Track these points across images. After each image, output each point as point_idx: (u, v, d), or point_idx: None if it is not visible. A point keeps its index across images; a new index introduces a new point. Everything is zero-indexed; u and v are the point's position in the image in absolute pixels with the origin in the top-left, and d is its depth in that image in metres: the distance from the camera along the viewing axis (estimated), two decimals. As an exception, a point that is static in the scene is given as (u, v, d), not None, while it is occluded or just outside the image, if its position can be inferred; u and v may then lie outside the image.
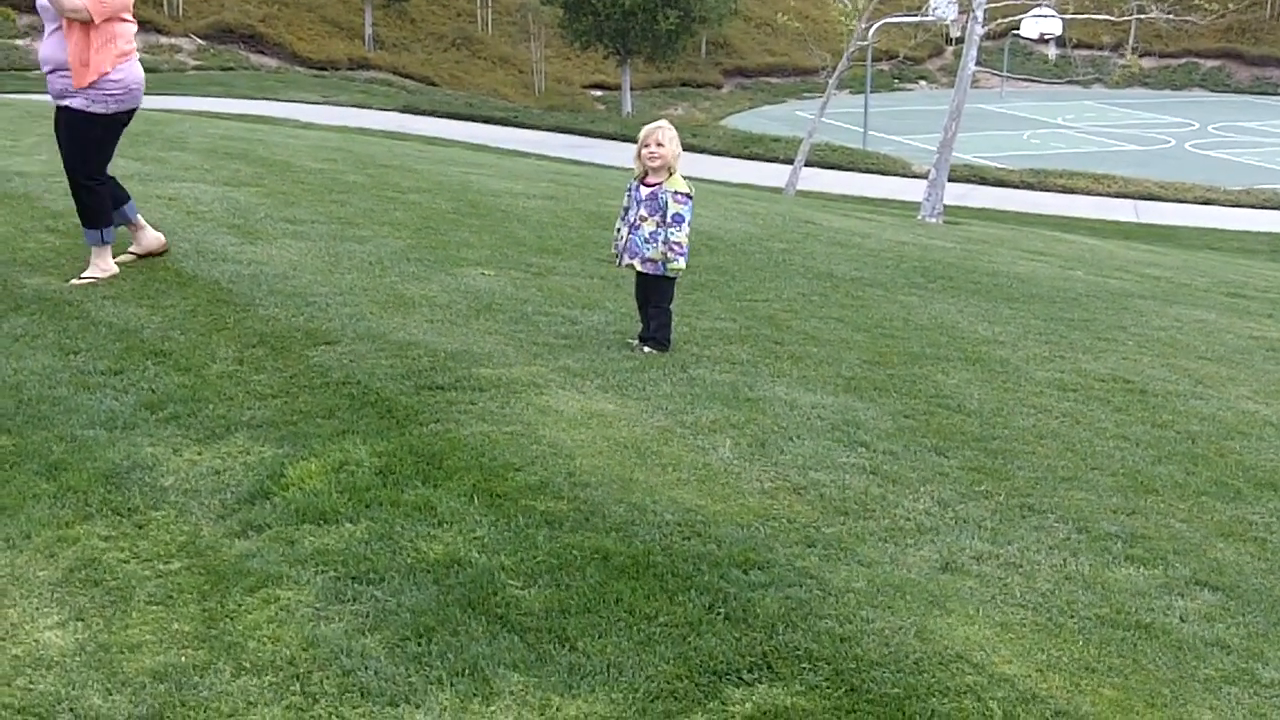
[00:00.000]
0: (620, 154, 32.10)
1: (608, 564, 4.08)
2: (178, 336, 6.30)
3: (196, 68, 43.84)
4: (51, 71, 7.13)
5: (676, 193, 6.33)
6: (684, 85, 52.94)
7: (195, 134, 14.48)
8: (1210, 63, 60.25)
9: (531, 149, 33.17)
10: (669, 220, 6.31)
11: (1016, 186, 33.04)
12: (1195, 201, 31.94)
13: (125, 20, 7.16)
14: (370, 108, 38.97)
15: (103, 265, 7.35)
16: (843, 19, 29.51)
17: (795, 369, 6.49)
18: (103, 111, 7.14)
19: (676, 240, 6.32)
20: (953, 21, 43.91)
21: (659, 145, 6.35)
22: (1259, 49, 59.58)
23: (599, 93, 52.49)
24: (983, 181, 33.35)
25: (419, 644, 3.67)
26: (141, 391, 5.59)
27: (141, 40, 43.82)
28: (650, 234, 6.35)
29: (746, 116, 46.75)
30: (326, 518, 4.39)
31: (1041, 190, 32.71)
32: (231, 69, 44.12)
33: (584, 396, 5.66)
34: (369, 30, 49.92)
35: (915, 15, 42.66)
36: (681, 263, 6.39)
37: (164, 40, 45.21)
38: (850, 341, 7.26)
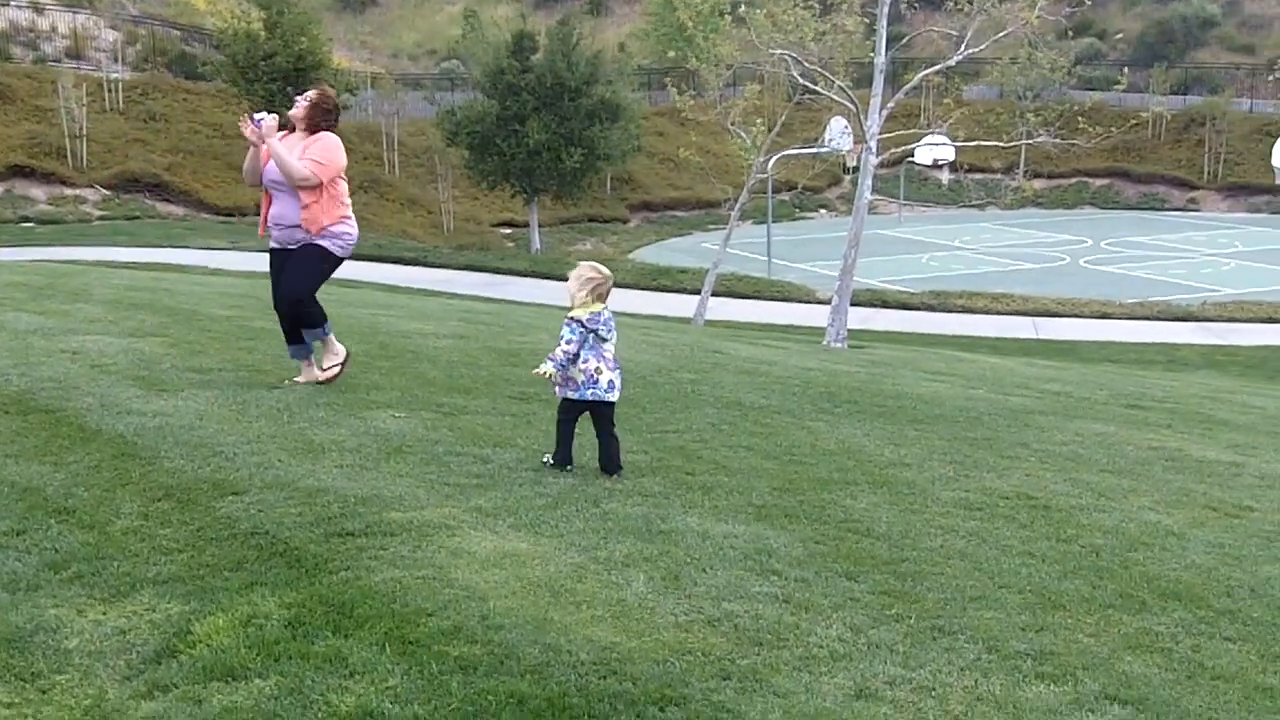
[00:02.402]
0: (530, 290, 32.31)
1: (523, 708, 4.06)
2: (81, 493, 6.22)
3: (102, 217, 43.57)
4: (285, 227, 8.75)
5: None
6: (591, 220, 53.46)
7: (100, 285, 14.40)
8: (1099, 181, 61.92)
9: (442, 288, 33.25)
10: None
11: (918, 308, 33.56)
12: (1092, 316, 32.62)
13: (344, 182, 8.89)
14: (277, 252, 38.89)
15: (334, 351, 8.94)
16: (742, 153, 30.11)
17: (707, 499, 6.53)
18: (338, 254, 8.82)
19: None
20: (848, 152, 44.91)
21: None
22: (1144, 167, 61.40)
23: (508, 230, 52.82)
24: (885, 305, 33.86)
25: (333, 798, 3.61)
26: (45, 551, 5.50)
27: (45, 192, 43.92)
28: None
29: (654, 249, 47.29)
30: (235, 674, 4.32)
31: (943, 311, 33.26)
32: (137, 217, 43.90)
33: (497, 536, 5.66)
34: (275, 176, 50.01)
35: (812, 147, 43.58)
36: (546, 365, 6.84)
37: (69, 191, 44.94)
38: (760, 469, 7.33)
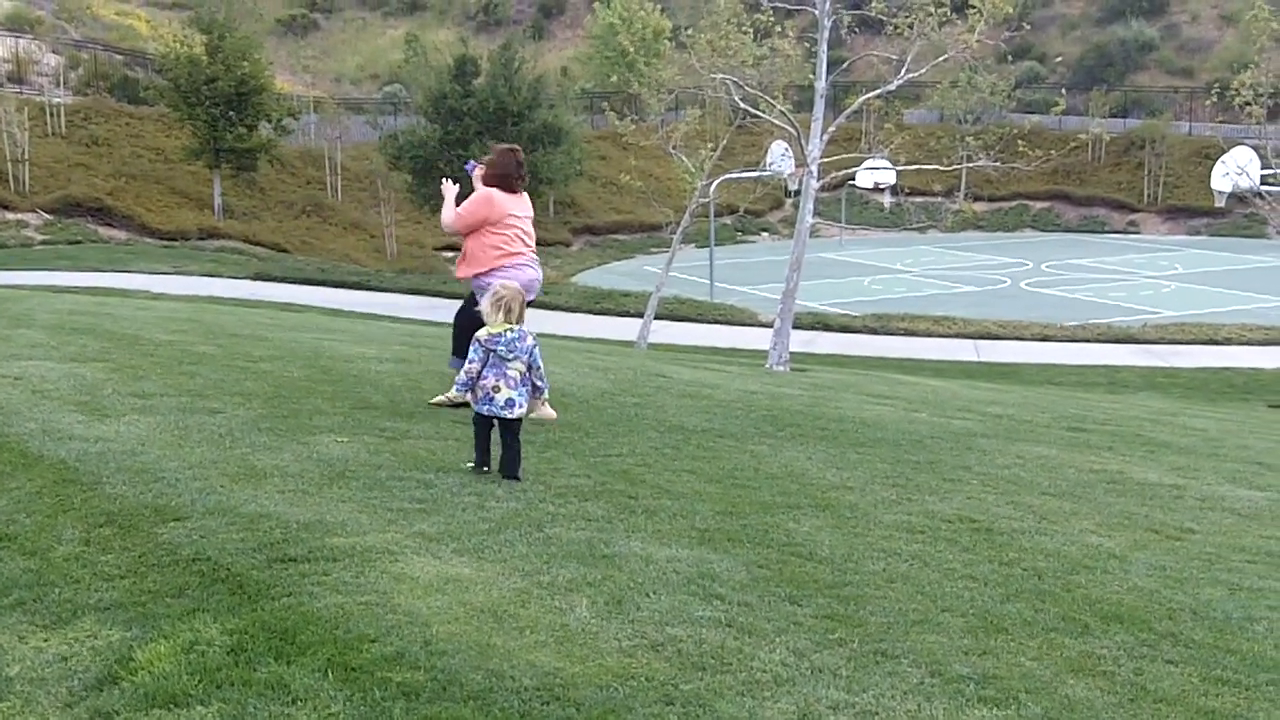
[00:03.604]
0: (473, 313, 32.18)
1: (467, 732, 4.06)
2: (23, 519, 6.16)
3: (44, 242, 43.13)
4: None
5: None
6: (538, 244, 53.52)
7: (42, 309, 14.27)
8: (1040, 204, 62.62)
9: (385, 311, 33.15)
10: None
11: (860, 331, 33.76)
12: (1033, 339, 32.91)
13: (502, 233, 9.45)
14: (221, 276, 38.65)
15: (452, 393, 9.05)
16: (686, 175, 30.25)
17: (650, 523, 6.56)
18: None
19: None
20: (790, 175, 45.20)
21: None
22: (1085, 189, 62.17)
23: (451, 254, 52.59)
24: (827, 328, 34.03)
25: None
26: (-17, 579, 5.45)
27: (-15, 217, 43.31)
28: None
29: (596, 273, 47.34)
30: (177, 701, 4.30)
31: (885, 334, 33.46)
32: (80, 242, 43.47)
33: (440, 561, 5.65)
34: (218, 200, 49.75)
35: (754, 171, 43.84)
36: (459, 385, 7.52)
37: (10, 216, 44.48)
38: (703, 493, 7.36)
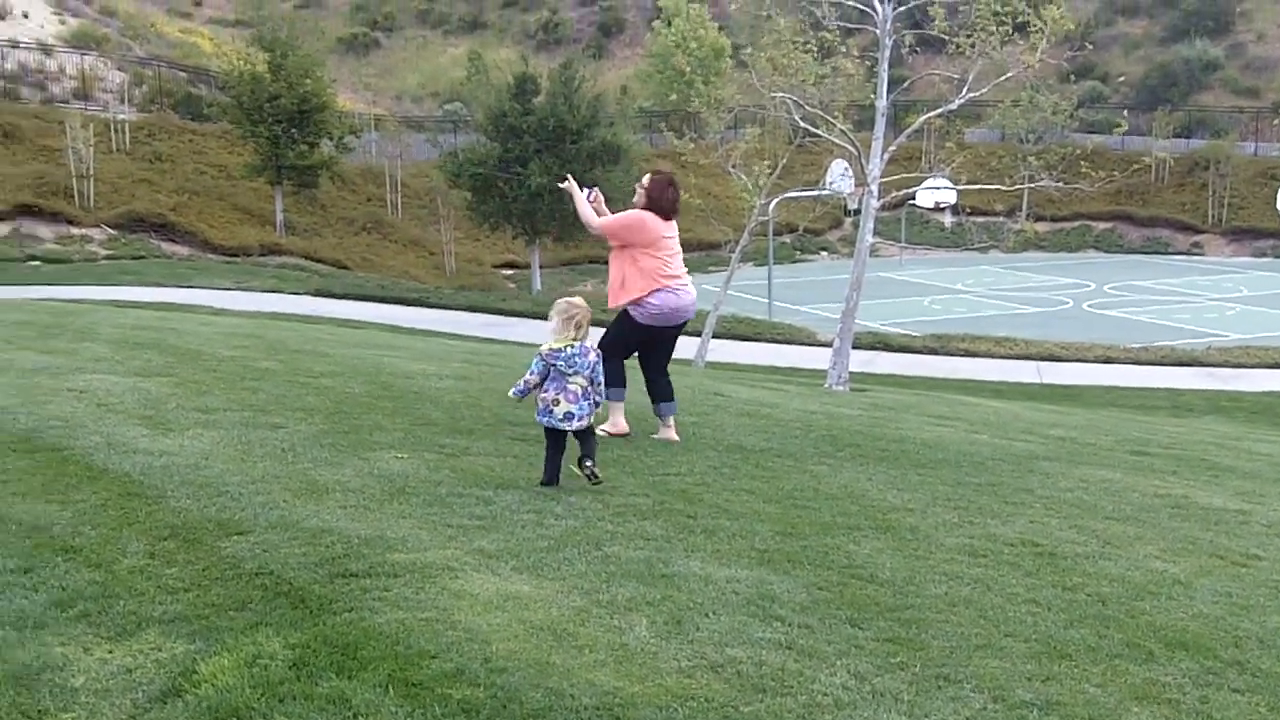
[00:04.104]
0: (532, 331, 32.35)
1: (527, 751, 4.06)
2: (88, 531, 6.23)
3: (108, 257, 43.74)
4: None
5: None
6: (592, 262, 53.56)
7: (106, 324, 14.45)
8: (1102, 225, 62.11)
9: (445, 328, 33.33)
10: None
11: (920, 351, 33.56)
12: (1096, 360, 32.60)
13: (659, 256, 9.44)
14: (283, 292, 39.02)
15: (615, 421, 9.44)
16: (744, 194, 30.22)
17: (709, 543, 6.54)
18: (638, 320, 9.50)
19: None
20: (849, 195, 45.09)
21: None
22: (1148, 210, 61.61)
23: (509, 271, 53.02)
24: (887, 348, 33.86)
25: (337, 842, 3.61)
26: (51, 589, 5.50)
27: (52, 231, 44.11)
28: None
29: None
30: (239, 714, 4.33)
31: (945, 354, 33.26)
32: (143, 257, 44.04)
33: (499, 579, 5.66)
34: (280, 217, 50.26)
35: (813, 190, 43.76)
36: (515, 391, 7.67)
37: (75, 231, 45.14)
38: (762, 513, 7.33)
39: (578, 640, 4.99)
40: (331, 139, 50.07)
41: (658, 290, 9.39)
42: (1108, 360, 32.72)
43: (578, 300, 7.75)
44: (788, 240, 49.91)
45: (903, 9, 22.77)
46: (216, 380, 10.54)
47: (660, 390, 9.74)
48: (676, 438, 9.54)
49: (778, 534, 6.84)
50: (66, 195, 46.61)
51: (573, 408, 7.44)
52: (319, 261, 47.30)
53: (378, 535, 6.18)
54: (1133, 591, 6.32)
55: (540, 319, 36.33)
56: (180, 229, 46.87)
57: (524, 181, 43.25)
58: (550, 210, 43.95)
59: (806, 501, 7.77)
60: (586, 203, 9.75)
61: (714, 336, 29.68)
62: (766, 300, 40.39)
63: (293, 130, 48.12)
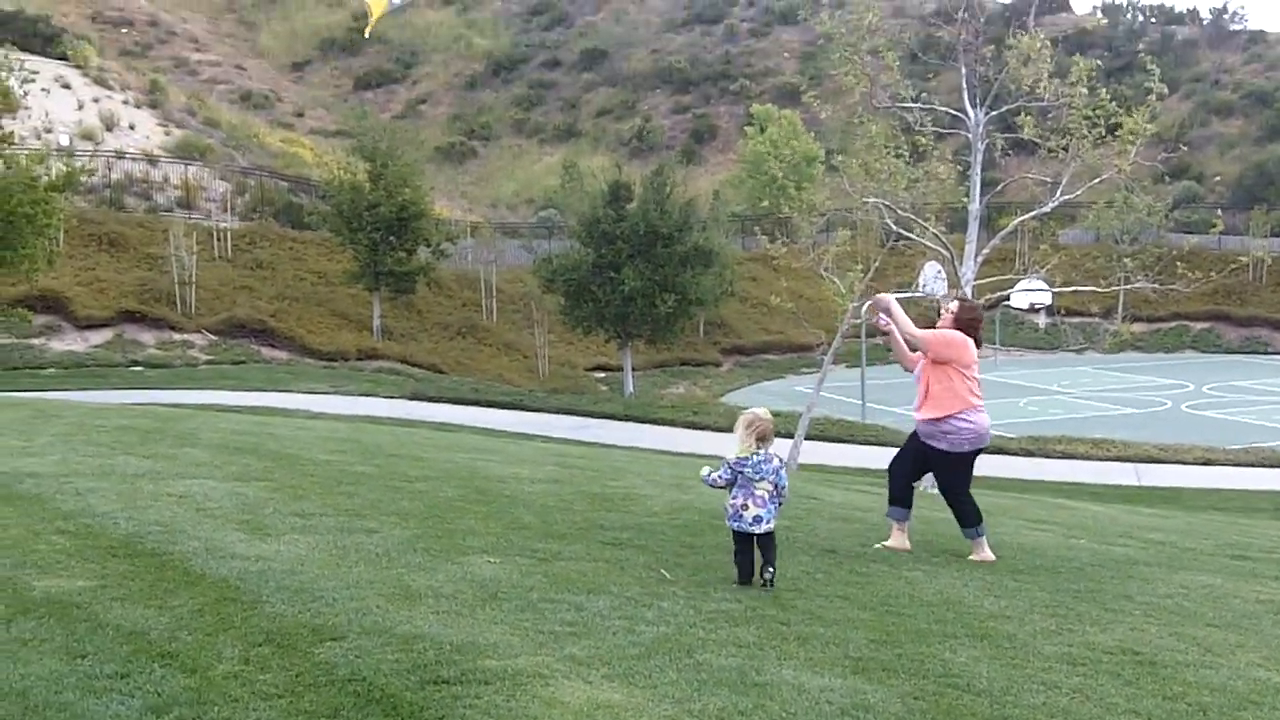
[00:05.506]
0: (624, 434, 32.43)
1: None
2: (184, 637, 6.31)
3: (209, 362, 44.63)
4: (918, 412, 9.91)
5: None
6: (684, 364, 53.85)
7: (206, 429, 14.71)
8: (1200, 325, 61.37)
9: (537, 431, 33.50)
10: None
11: (1016, 454, 33.13)
12: (1195, 463, 31.99)
13: (971, 380, 9.69)
14: (378, 395, 39.53)
15: (980, 553, 9.74)
16: (836, 298, 30.21)
17: (802, 650, 6.48)
18: (948, 450, 9.73)
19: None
20: (943, 296, 44.85)
21: None
22: (1246, 310, 60.80)
23: (601, 374, 53.31)
24: (983, 450, 33.46)
25: None
26: (147, 695, 5.57)
27: (154, 336, 45.08)
28: None
29: (746, 392, 47.35)
30: (332, 821, 4.34)
31: (1041, 456, 32.82)
32: (243, 362, 44.91)
33: (590, 686, 5.65)
34: (377, 322, 51.08)
35: (906, 291, 43.60)
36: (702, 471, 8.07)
37: (176, 336, 46.18)
38: (856, 620, 7.26)
39: (669, 749, 4.95)
40: (429, 245, 50.94)
41: (964, 411, 9.68)
42: (1207, 462, 32.09)
43: (763, 413, 8.01)
44: (880, 341, 49.69)
45: (995, 113, 22.82)
46: (313, 484, 10.68)
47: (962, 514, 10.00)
48: (991, 556, 9.79)
49: (872, 641, 6.76)
50: (169, 302, 47.76)
51: (761, 511, 7.83)
52: (415, 365, 47.91)
53: (470, 641, 6.20)
54: (1235, 701, 6.16)
55: (632, 421, 36.49)
56: (279, 334, 47.75)
57: (618, 286, 43.61)
58: (643, 314, 44.27)
59: (901, 608, 7.68)
60: (909, 322, 10.00)
61: (806, 438, 29.54)
62: (859, 402, 40.19)
63: (391, 237, 49.02)
